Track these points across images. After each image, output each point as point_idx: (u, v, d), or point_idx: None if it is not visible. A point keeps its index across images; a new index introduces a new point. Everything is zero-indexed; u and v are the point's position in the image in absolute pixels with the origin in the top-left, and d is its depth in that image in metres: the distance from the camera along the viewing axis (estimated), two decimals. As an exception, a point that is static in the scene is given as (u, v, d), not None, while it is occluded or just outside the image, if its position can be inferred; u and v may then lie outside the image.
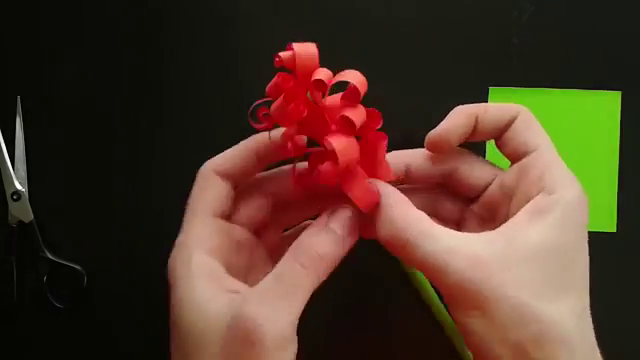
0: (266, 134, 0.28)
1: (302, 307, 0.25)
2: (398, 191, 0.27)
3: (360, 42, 0.36)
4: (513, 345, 0.23)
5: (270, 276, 0.25)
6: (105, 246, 0.36)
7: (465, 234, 0.25)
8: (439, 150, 0.29)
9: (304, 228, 0.27)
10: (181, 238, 0.27)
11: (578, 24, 0.36)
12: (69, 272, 0.36)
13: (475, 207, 0.30)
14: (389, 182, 0.29)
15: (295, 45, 0.25)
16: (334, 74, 0.25)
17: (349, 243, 0.26)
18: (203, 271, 0.26)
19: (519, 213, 0.25)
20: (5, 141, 0.36)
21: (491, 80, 0.36)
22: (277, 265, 0.25)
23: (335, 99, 0.26)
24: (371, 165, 0.27)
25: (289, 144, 0.27)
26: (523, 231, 0.25)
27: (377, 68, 0.36)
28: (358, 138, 0.26)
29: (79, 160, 0.37)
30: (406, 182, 0.30)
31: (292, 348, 0.24)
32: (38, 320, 0.36)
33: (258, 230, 0.30)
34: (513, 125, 0.28)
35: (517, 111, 0.28)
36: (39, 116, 0.37)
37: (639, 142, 0.36)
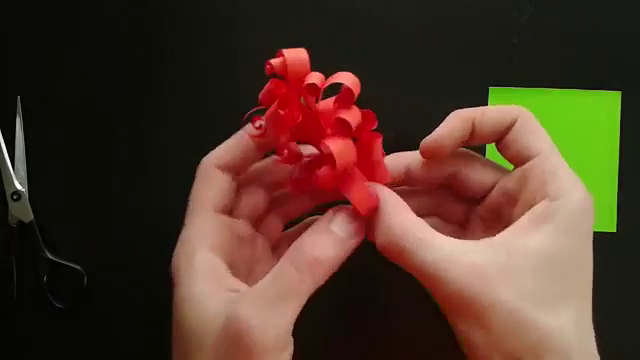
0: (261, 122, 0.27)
1: (298, 310, 0.24)
2: (397, 196, 0.26)
3: (360, 42, 0.36)
4: (511, 355, 0.23)
5: (267, 278, 0.25)
6: (105, 246, 0.36)
7: (464, 242, 0.24)
8: (435, 156, 0.29)
9: (308, 225, 0.27)
10: (184, 235, 0.27)
11: (578, 24, 0.36)
12: (69, 272, 0.36)
13: (479, 209, 0.30)
14: (390, 184, 0.29)
15: (285, 51, 0.25)
16: (330, 75, 0.25)
17: (352, 245, 0.26)
18: (205, 269, 0.26)
19: (521, 219, 0.25)
20: (5, 141, 0.36)
21: (491, 80, 0.36)
22: (275, 267, 0.25)
23: (328, 103, 0.26)
24: (368, 166, 0.26)
25: (285, 152, 0.26)
26: (524, 239, 0.24)
27: (377, 68, 0.36)
28: (354, 140, 0.25)
29: (79, 160, 0.37)
30: (408, 184, 0.30)
31: (287, 350, 0.24)
32: (38, 320, 0.36)
33: (259, 223, 0.30)
34: (513, 128, 0.27)
35: (517, 114, 0.27)
36: (39, 116, 0.37)
37: (639, 142, 0.36)
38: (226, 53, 0.36)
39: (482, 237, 0.27)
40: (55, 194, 0.37)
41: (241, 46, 0.36)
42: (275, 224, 0.31)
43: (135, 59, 0.37)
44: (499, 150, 0.28)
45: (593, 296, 0.25)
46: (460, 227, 0.31)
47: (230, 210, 0.28)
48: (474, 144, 0.29)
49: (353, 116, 0.25)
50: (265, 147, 0.28)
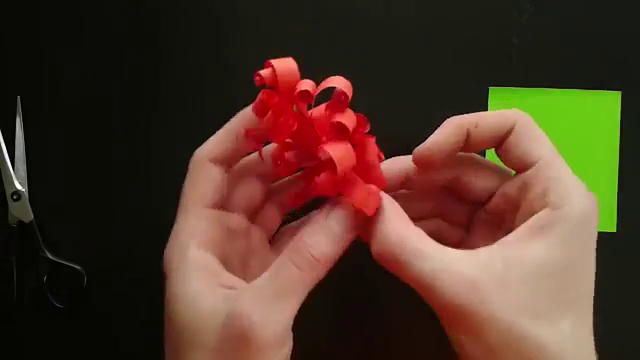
0: (249, 112, 0.27)
1: (297, 307, 0.25)
2: (394, 203, 0.26)
3: (360, 42, 0.36)
4: None
5: (266, 275, 0.25)
6: (105, 246, 0.36)
7: (460, 252, 0.24)
8: (428, 165, 0.28)
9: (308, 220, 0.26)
10: (176, 231, 0.27)
11: (578, 24, 0.36)
12: (69, 272, 0.36)
13: (483, 212, 0.29)
14: (390, 188, 0.29)
15: (274, 61, 0.24)
16: (325, 78, 0.25)
17: (350, 239, 0.26)
18: (198, 266, 0.26)
19: (521, 227, 0.25)
20: (5, 141, 0.36)
21: (491, 80, 0.36)
22: (274, 264, 0.25)
23: (320, 110, 0.26)
24: (364, 169, 0.26)
25: (279, 163, 0.26)
26: (522, 249, 0.24)
27: (377, 68, 0.36)
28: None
29: (79, 160, 0.37)
30: (408, 187, 0.30)
31: (287, 346, 0.24)
32: (38, 320, 0.36)
33: (255, 214, 0.30)
34: (512, 134, 0.27)
35: (514, 120, 0.27)
36: (39, 116, 0.37)
37: (639, 142, 0.36)
38: (225, 53, 0.36)
39: (486, 239, 0.27)
40: (55, 194, 0.37)
41: (241, 46, 0.36)
42: (272, 215, 0.31)
43: (135, 59, 0.37)
44: (498, 156, 0.28)
45: (593, 296, 0.25)
46: (464, 229, 0.31)
47: (223, 203, 0.28)
48: (471, 151, 0.28)
49: (349, 119, 0.25)
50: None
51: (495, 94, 0.36)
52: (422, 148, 0.27)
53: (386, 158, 0.30)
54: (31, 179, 0.36)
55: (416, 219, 0.30)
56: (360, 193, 0.25)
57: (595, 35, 0.36)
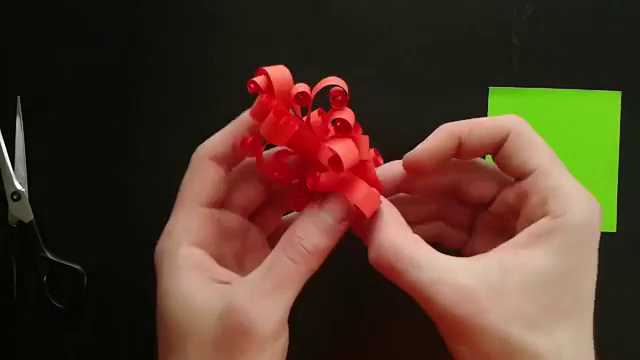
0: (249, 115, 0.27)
1: (293, 299, 0.25)
2: (392, 208, 0.26)
3: (360, 42, 0.36)
4: None
5: (261, 268, 0.25)
6: (105, 246, 0.36)
7: (457, 260, 0.24)
8: (417, 172, 0.28)
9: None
10: (168, 227, 0.27)
11: (578, 24, 0.36)
12: (69, 272, 0.36)
13: (485, 215, 0.29)
14: (390, 191, 0.29)
15: (268, 69, 0.25)
16: (326, 76, 0.25)
17: (344, 229, 0.26)
18: (190, 263, 0.26)
19: (521, 235, 0.24)
20: (5, 141, 0.36)
21: (491, 80, 0.36)
22: (269, 257, 0.25)
23: (314, 115, 0.26)
24: (360, 170, 0.26)
25: (277, 174, 0.26)
26: (521, 257, 0.24)
27: (377, 68, 0.36)
28: None
29: (79, 160, 0.37)
30: (408, 191, 0.30)
31: (283, 338, 0.25)
32: (38, 320, 0.36)
33: (254, 214, 0.30)
34: (507, 142, 0.26)
35: (509, 127, 0.26)
36: (39, 116, 0.37)
37: (639, 142, 0.36)
38: (226, 53, 0.36)
39: (488, 242, 0.27)
40: (55, 194, 0.37)
41: (241, 46, 0.36)
42: (272, 215, 0.31)
43: (135, 59, 0.37)
44: (496, 163, 0.28)
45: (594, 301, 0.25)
46: (466, 232, 0.31)
47: (220, 203, 0.28)
48: (465, 158, 0.28)
49: (349, 115, 0.25)
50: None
51: (495, 94, 0.36)
52: (411, 155, 0.27)
53: (385, 158, 0.30)
54: (31, 179, 0.36)
55: (417, 222, 0.30)
56: (361, 193, 0.25)
57: (595, 35, 0.36)
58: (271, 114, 0.24)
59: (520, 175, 0.26)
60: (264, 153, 0.28)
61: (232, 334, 0.24)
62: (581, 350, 0.24)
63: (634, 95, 0.35)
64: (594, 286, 0.24)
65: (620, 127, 0.35)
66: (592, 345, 0.24)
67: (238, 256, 0.29)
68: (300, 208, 0.27)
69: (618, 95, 0.35)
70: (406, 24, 0.36)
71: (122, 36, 0.37)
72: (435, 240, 0.31)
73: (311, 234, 0.25)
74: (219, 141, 0.27)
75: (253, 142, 0.26)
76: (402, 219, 0.26)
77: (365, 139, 0.26)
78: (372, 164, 0.27)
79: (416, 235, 0.25)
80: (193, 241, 0.26)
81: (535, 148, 0.26)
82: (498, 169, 0.28)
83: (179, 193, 0.27)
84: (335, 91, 0.25)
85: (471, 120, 0.27)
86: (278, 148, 0.28)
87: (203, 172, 0.27)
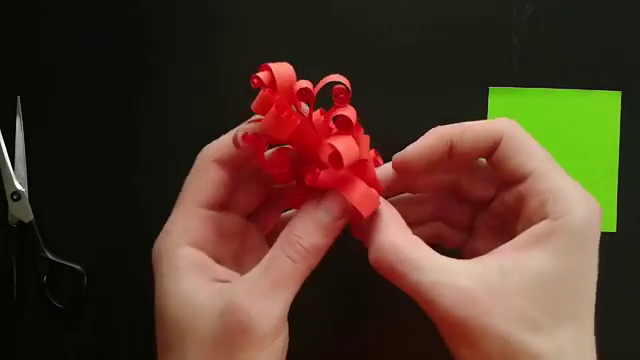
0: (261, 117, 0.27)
1: (292, 297, 0.25)
2: (391, 210, 0.26)
3: (360, 42, 0.36)
4: None
5: (260, 266, 0.25)
6: (105, 246, 0.36)
7: (456, 262, 0.24)
8: (406, 173, 0.28)
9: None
10: (168, 226, 0.27)
11: (578, 24, 0.36)
12: (69, 272, 0.36)
13: (485, 215, 0.29)
14: (389, 192, 0.29)
15: (272, 65, 0.25)
16: (326, 76, 0.25)
17: (341, 226, 0.26)
18: (189, 263, 0.26)
19: (520, 236, 0.24)
20: (5, 141, 0.36)
21: (491, 80, 0.36)
22: (267, 255, 0.25)
23: (316, 114, 0.26)
24: (359, 170, 0.26)
25: (276, 172, 0.26)
26: (521, 259, 0.23)
27: (377, 68, 0.36)
28: None
29: (79, 160, 0.37)
30: (408, 190, 0.30)
31: (282, 335, 0.25)
32: (38, 320, 0.36)
33: (252, 213, 0.30)
34: (501, 146, 0.26)
35: (502, 131, 0.26)
36: (39, 116, 0.37)
37: (639, 142, 0.36)
38: (226, 54, 0.36)
39: (488, 243, 0.27)
40: (55, 194, 0.37)
41: (241, 46, 0.36)
42: (270, 214, 0.31)
43: (136, 59, 0.37)
44: (491, 168, 0.27)
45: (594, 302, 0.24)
46: (466, 232, 0.31)
47: (221, 205, 0.28)
48: (458, 161, 0.28)
49: (351, 113, 0.25)
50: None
51: (495, 94, 0.36)
52: (400, 155, 0.27)
53: (385, 158, 0.30)
54: (31, 179, 0.36)
55: (417, 223, 0.30)
56: (359, 192, 0.25)
57: (595, 35, 0.36)
58: (273, 108, 0.24)
59: (516, 178, 0.26)
60: (264, 154, 0.28)
61: (232, 332, 0.24)
62: (583, 350, 0.24)
63: (634, 95, 0.35)
64: (595, 286, 0.24)
65: (620, 127, 0.35)
66: (594, 345, 0.24)
67: (237, 255, 0.29)
68: (298, 206, 0.27)
69: (618, 95, 0.35)
70: (406, 24, 0.36)
71: (122, 36, 0.37)
72: (435, 241, 0.31)
73: (308, 232, 0.25)
74: (224, 144, 0.27)
75: (254, 136, 0.26)
76: (402, 220, 0.26)
77: (366, 139, 0.26)
78: (372, 164, 0.27)
79: (416, 236, 0.25)
80: (192, 241, 0.26)
81: (530, 151, 0.26)
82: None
83: (181, 193, 0.28)
84: (338, 88, 0.25)
85: (464, 123, 0.27)
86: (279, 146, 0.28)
87: (205, 174, 0.27)
